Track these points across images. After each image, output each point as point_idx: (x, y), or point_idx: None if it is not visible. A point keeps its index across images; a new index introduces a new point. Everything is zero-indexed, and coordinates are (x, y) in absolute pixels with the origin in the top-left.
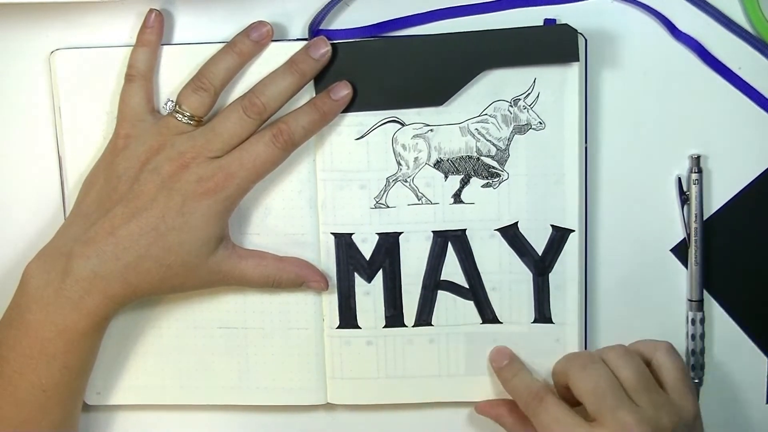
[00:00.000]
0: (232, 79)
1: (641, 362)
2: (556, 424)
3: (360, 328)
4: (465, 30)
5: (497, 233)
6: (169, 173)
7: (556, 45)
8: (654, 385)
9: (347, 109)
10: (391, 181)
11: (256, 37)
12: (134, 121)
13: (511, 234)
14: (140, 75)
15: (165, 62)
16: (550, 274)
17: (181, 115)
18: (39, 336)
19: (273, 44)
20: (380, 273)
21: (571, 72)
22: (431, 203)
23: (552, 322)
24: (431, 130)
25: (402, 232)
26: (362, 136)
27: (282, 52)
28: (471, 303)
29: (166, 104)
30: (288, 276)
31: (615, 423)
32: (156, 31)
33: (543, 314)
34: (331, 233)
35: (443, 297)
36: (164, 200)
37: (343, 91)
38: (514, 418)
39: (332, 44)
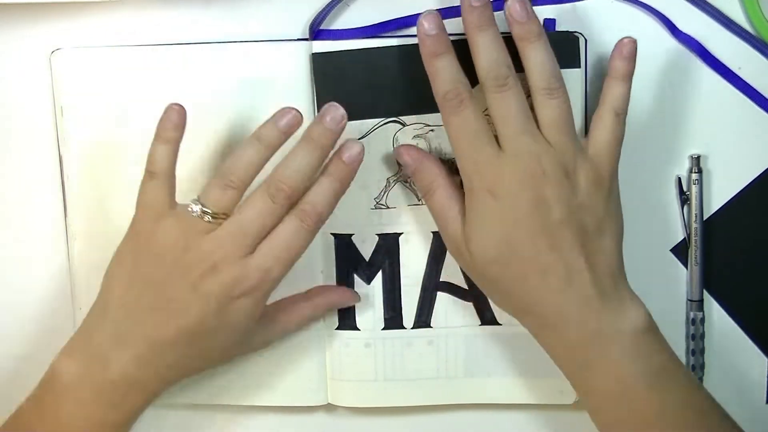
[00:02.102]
0: (258, 173)
1: (568, 103)
2: (465, 128)
3: (359, 329)
4: (463, 32)
5: None
6: (199, 276)
7: (558, 51)
8: (571, 130)
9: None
10: (391, 181)
11: (284, 126)
12: (156, 218)
13: None
14: (162, 172)
15: (165, 62)
16: None
17: (209, 217)
18: (73, 427)
19: (273, 44)
20: (380, 274)
21: (572, 72)
22: None
23: None
24: (432, 131)
25: (402, 233)
26: (363, 136)
27: (282, 52)
28: (470, 304)
29: (190, 206)
30: (323, 310)
31: (516, 147)
32: (179, 127)
33: None
34: (331, 234)
35: (442, 298)
36: (199, 305)
37: (354, 150)
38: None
39: (335, 52)
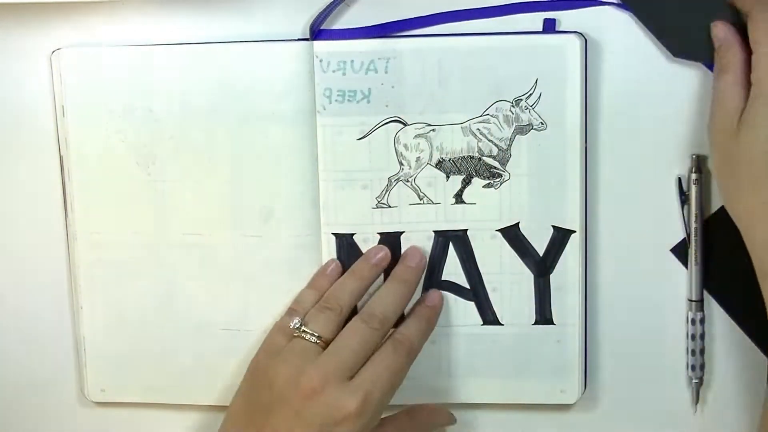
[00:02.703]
0: (356, 302)
1: None
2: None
3: None
4: (464, 33)
5: (498, 234)
6: (302, 401)
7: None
8: None
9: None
10: (392, 180)
11: (376, 261)
12: (272, 349)
13: (513, 235)
14: (301, 310)
15: (165, 62)
16: (551, 275)
17: (309, 335)
18: None
19: (273, 44)
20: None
21: (573, 72)
22: (432, 203)
23: (553, 323)
24: (433, 130)
25: (403, 232)
26: (364, 136)
27: (282, 53)
28: (472, 304)
29: (293, 324)
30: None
31: None
32: (330, 279)
33: (544, 315)
34: (332, 233)
35: (444, 297)
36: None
37: (435, 298)
38: None
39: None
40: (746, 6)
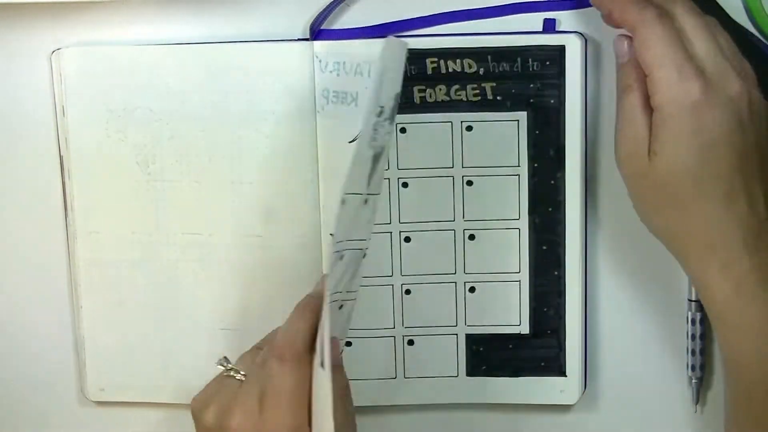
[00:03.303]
0: None
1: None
2: (672, 41)
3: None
4: (465, 33)
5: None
6: None
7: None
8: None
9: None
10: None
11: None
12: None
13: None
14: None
15: (165, 62)
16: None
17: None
18: None
19: (273, 44)
20: None
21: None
22: None
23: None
24: None
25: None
26: (353, 140)
27: (282, 53)
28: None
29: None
30: None
31: (721, 68)
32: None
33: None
34: (332, 234)
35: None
36: None
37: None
38: None
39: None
40: (628, 23)
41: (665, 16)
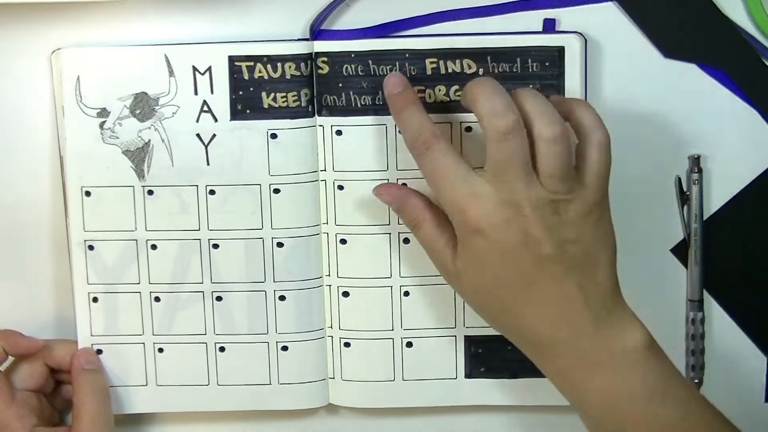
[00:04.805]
0: None
1: (566, 150)
2: (442, 173)
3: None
4: (464, 33)
5: None
6: None
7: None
8: (566, 174)
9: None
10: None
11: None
12: None
13: None
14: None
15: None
16: None
17: None
18: None
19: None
20: None
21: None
22: None
23: None
24: None
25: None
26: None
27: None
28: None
29: None
30: None
31: (506, 191)
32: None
33: None
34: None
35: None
36: None
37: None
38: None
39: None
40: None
41: (432, 143)
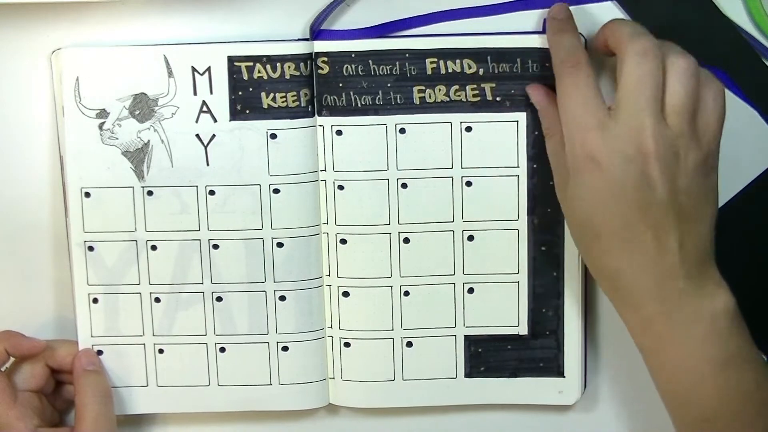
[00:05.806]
0: None
1: (696, 87)
2: (575, 92)
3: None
4: (464, 33)
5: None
6: None
7: None
8: (691, 115)
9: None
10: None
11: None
12: None
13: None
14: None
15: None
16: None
17: None
18: None
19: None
20: None
21: None
22: None
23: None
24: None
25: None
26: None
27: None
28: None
29: None
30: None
31: (633, 122)
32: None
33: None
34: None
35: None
36: None
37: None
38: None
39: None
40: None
41: (581, 65)
